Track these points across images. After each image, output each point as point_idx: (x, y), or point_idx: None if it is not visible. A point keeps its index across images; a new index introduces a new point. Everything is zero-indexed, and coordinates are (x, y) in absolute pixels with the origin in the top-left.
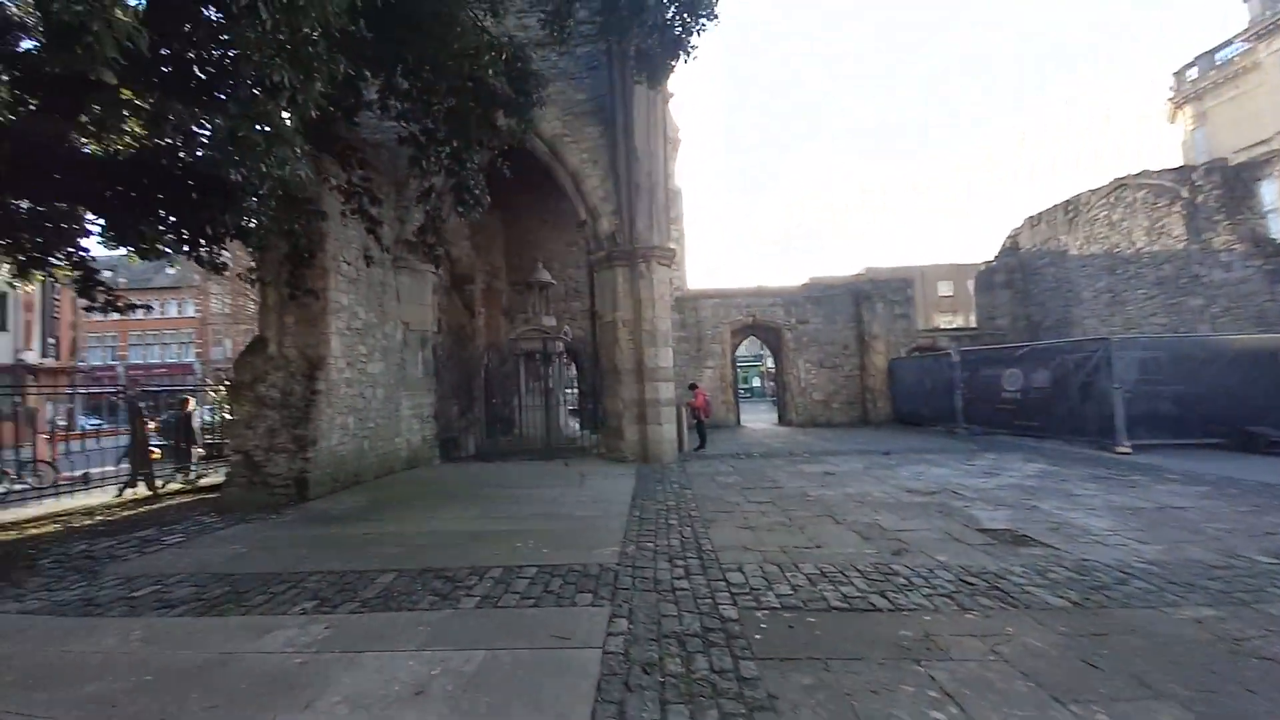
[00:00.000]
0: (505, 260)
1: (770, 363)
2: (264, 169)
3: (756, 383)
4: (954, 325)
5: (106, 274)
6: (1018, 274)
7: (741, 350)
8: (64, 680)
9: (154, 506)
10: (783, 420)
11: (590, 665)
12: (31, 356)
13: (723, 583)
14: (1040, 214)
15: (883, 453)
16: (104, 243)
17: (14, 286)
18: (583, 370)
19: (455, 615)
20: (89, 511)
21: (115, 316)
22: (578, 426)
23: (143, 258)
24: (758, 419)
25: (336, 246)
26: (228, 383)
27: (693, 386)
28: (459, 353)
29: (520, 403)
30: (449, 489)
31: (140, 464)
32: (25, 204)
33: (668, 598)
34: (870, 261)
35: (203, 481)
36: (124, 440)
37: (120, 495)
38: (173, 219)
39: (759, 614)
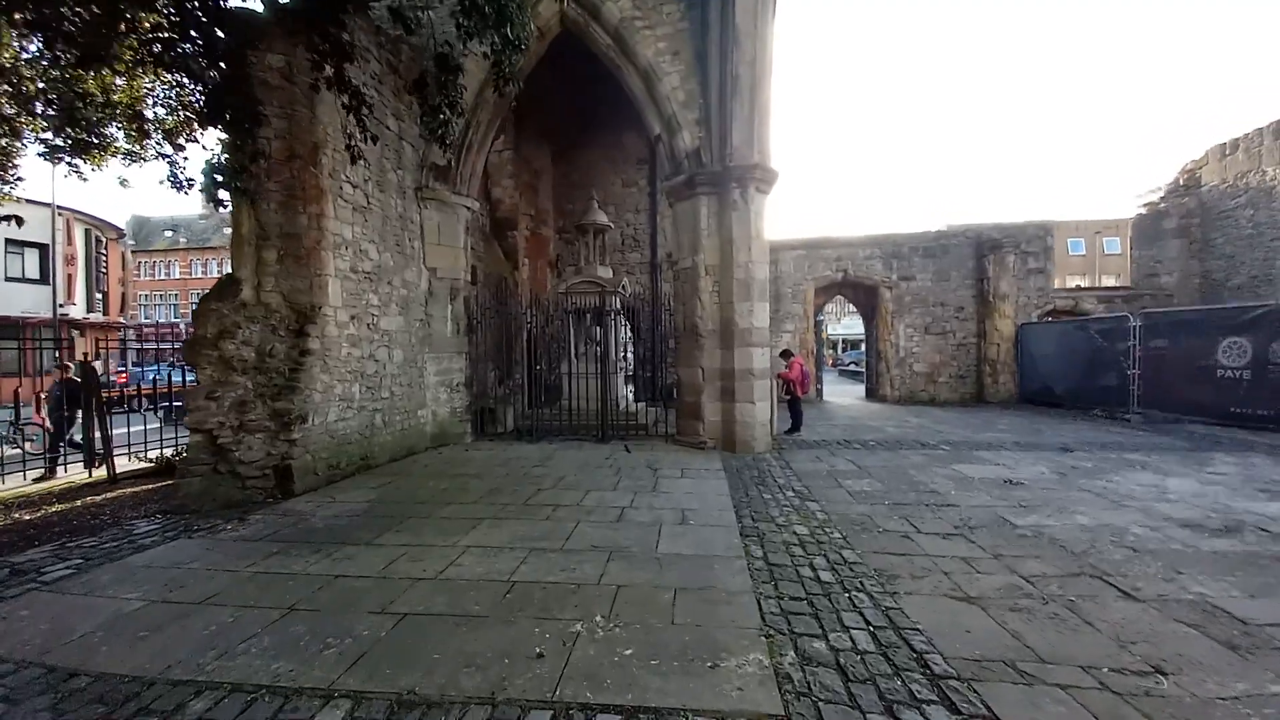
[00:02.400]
0: (554, 204)
1: (830, 329)
2: None
3: None
4: (1089, 286)
5: (168, 234)
6: (1196, 219)
7: None
8: None
9: (102, 496)
10: (873, 395)
11: None
12: (75, 311)
13: None
14: (1238, 140)
15: (1060, 448)
16: None
17: None
18: (640, 332)
19: None
20: (8, 505)
21: (177, 275)
22: (632, 396)
23: None
24: (836, 392)
25: (337, 161)
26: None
27: (786, 354)
28: (498, 309)
29: (570, 369)
30: (477, 485)
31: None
32: None
33: None
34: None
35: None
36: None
37: (88, 474)
38: None
39: None
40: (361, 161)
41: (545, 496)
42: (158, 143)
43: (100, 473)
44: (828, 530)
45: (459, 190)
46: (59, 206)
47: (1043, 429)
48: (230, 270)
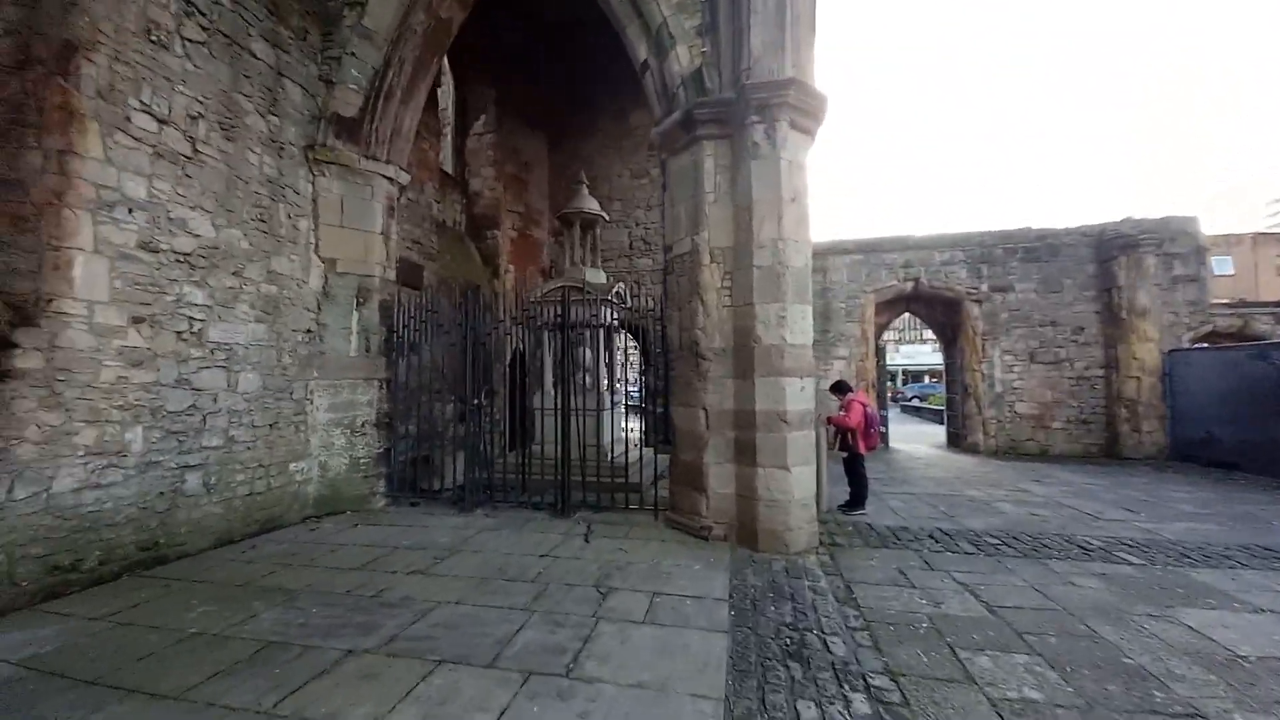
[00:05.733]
0: (549, 201)
1: (889, 358)
2: None
3: None
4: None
5: None
6: None
7: None
8: None
9: None
10: (958, 443)
11: None
12: None
13: None
14: None
15: None
16: None
17: None
18: (650, 356)
19: None
20: None
21: None
22: (639, 439)
23: None
24: (904, 436)
25: (121, 76)
26: None
27: (840, 388)
28: (470, 324)
29: (542, 403)
30: (262, 626)
31: None
32: None
33: None
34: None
35: None
36: None
37: None
38: None
39: None
40: (181, 87)
41: (339, 680)
42: None
43: None
44: None
45: (374, 154)
46: None
47: (1258, 512)
48: None
